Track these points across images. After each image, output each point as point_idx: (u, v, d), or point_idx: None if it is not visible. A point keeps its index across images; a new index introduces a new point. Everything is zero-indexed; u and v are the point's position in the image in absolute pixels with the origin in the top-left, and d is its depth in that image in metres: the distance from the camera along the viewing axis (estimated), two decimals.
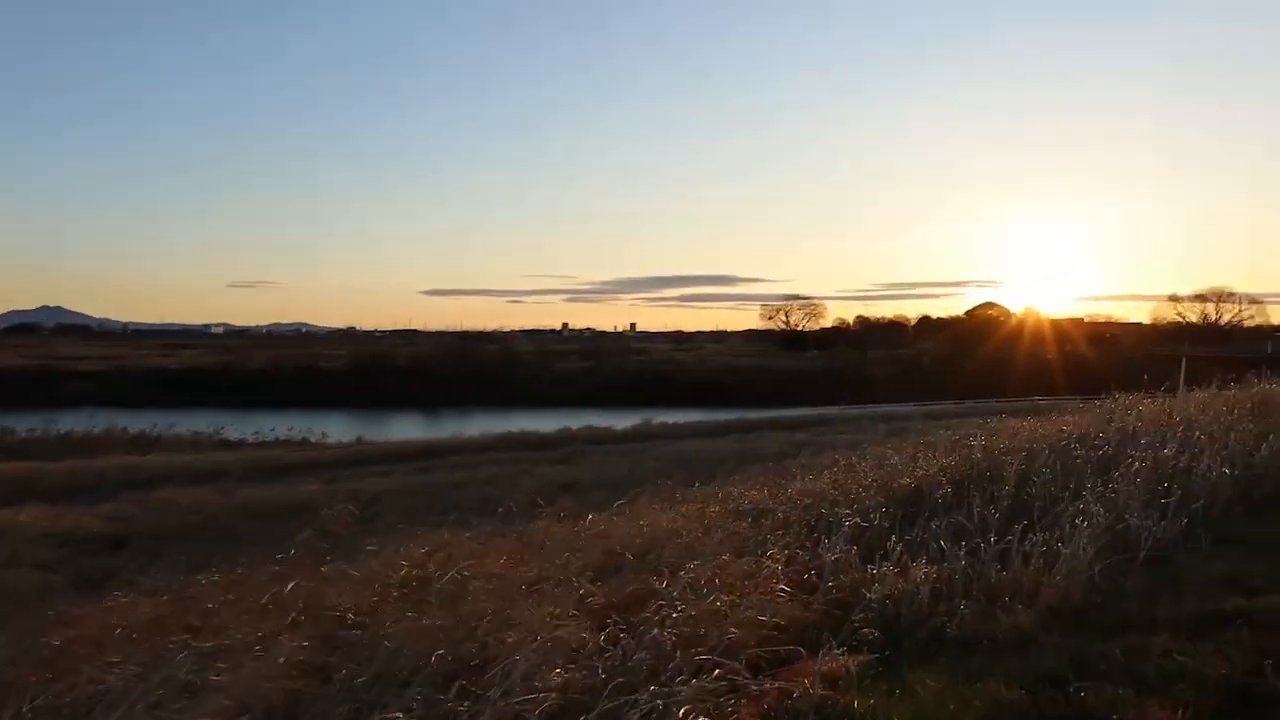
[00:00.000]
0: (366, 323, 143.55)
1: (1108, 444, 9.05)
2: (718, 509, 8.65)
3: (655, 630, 3.97)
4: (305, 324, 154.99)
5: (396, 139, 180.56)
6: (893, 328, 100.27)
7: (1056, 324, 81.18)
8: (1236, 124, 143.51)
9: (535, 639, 3.90)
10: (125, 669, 4.00)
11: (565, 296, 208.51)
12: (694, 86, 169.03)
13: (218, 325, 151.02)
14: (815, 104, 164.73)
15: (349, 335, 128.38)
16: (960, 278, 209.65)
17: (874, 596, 4.68)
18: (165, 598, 6.41)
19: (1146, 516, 6.30)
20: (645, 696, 3.38)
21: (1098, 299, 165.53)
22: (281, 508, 19.87)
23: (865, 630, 4.24)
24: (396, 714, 3.42)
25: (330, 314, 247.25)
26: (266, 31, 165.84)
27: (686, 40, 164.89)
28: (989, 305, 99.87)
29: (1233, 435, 9.22)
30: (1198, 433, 9.18)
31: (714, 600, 4.44)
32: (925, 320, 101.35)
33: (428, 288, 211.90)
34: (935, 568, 5.14)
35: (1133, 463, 7.82)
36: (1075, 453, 8.62)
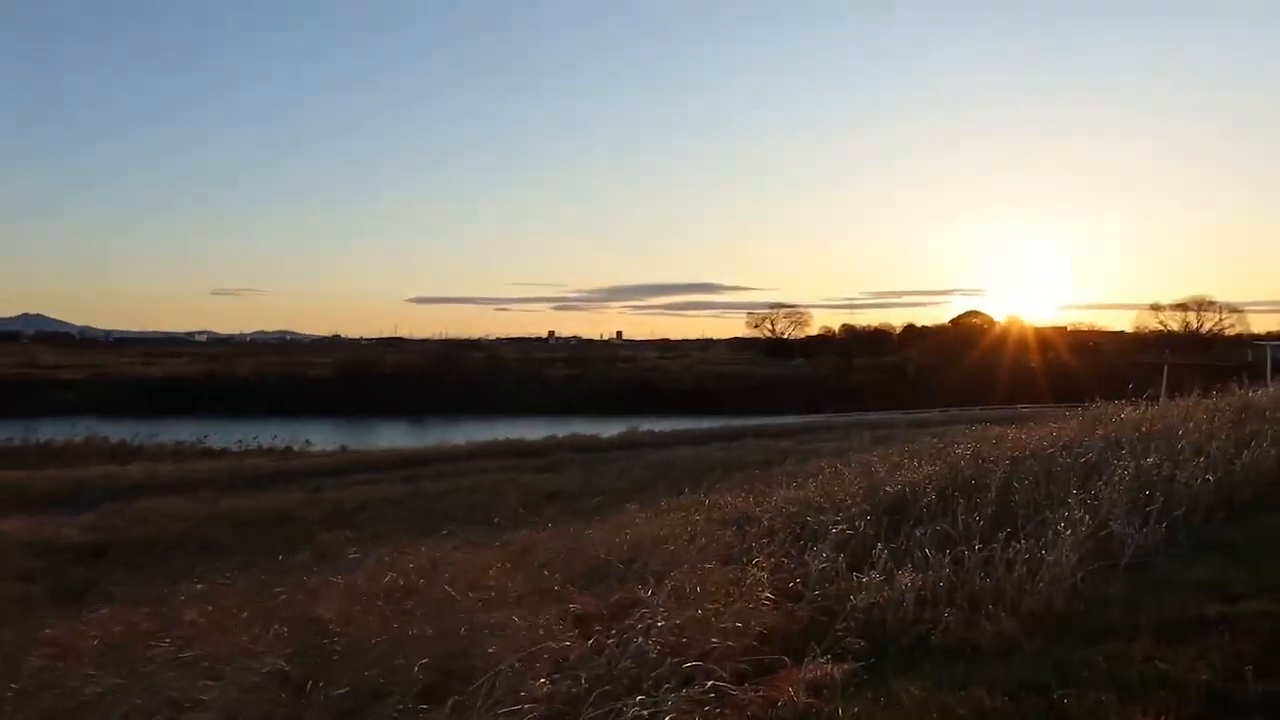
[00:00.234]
0: (352, 330, 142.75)
1: (1091, 452, 9.11)
2: (703, 517, 8.64)
3: (640, 639, 3.96)
4: (289, 332, 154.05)
5: (383, 145, 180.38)
6: (878, 336, 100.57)
7: (1040, 332, 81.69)
8: (1214, 136, 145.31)
9: (520, 649, 3.88)
10: (103, 681, 3.96)
11: (552, 304, 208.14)
12: (681, 96, 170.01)
13: (201, 333, 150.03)
14: (802, 113, 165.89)
15: (334, 343, 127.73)
16: (945, 286, 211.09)
17: (859, 604, 4.68)
18: (145, 609, 6.36)
19: (1129, 523, 6.34)
20: (630, 706, 3.36)
21: (1081, 308, 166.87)
22: (265, 517, 19.76)
23: (850, 639, 4.24)
24: None
25: (315, 322, 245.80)
26: (251, 34, 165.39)
27: (674, 50, 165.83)
28: (973, 314, 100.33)
29: (1214, 443, 9.30)
30: (1180, 441, 9.25)
31: (699, 609, 4.43)
32: (910, 328, 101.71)
33: (413, 295, 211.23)
34: (920, 575, 5.14)
35: (1115, 470, 7.86)
36: (1059, 460, 8.67)
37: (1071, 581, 5.17)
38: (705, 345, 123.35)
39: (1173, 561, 5.92)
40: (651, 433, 38.86)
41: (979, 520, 6.42)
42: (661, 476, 21.14)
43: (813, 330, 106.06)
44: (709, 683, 3.61)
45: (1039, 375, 64.26)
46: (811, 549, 6.03)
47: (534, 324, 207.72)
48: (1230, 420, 11.25)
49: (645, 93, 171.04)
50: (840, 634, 4.28)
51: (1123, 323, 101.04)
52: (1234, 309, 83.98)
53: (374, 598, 5.62)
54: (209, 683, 3.92)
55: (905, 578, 4.99)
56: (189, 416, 54.62)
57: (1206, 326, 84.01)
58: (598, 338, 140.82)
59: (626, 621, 4.29)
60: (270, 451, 39.12)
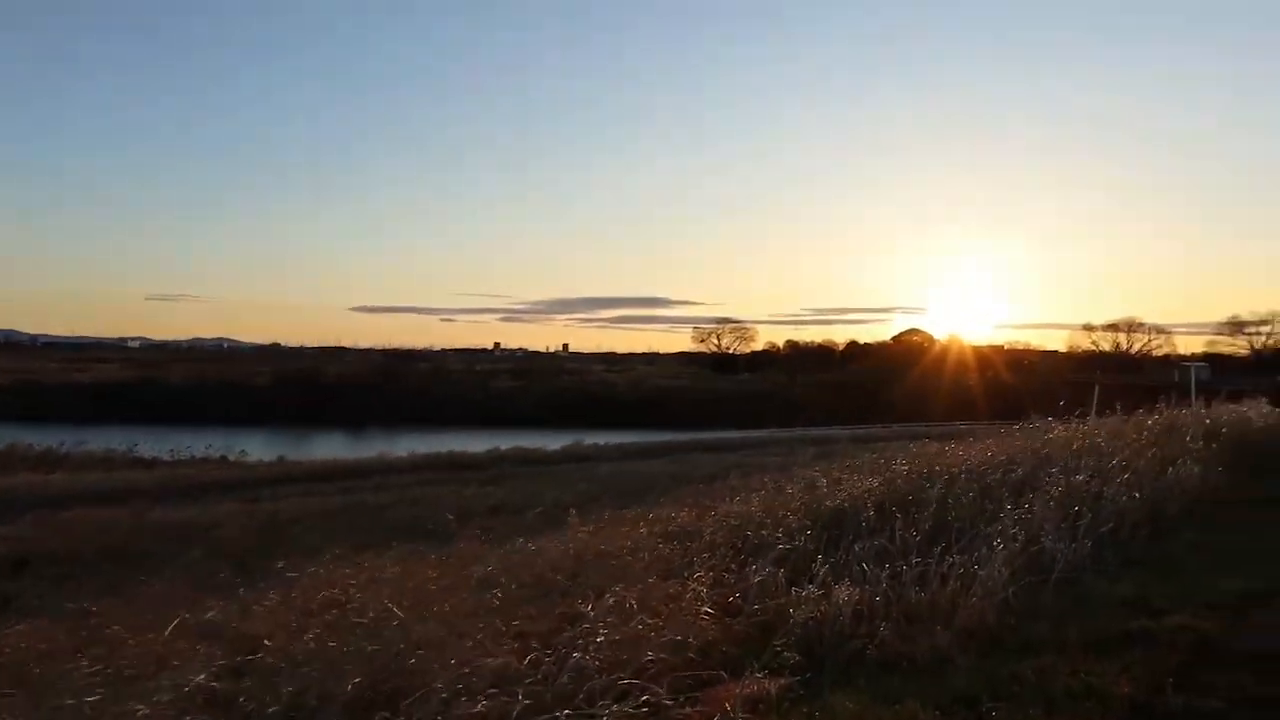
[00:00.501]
0: (293, 339, 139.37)
1: (1025, 469, 9.34)
2: (647, 531, 8.63)
3: (579, 654, 3.93)
4: (228, 339, 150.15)
5: (326, 152, 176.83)
6: (822, 352, 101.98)
7: (978, 351, 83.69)
8: (1146, 166, 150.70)
9: (457, 665, 3.83)
10: (15, 704, 3.80)
11: (499, 316, 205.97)
12: (629, 111, 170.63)
13: (134, 339, 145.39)
14: (747, 130, 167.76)
15: (274, 351, 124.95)
16: (887, 304, 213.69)
17: (796, 619, 4.71)
18: (67, 623, 6.13)
19: (1059, 539, 6.51)
20: None
21: (1017, 327, 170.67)
22: (196, 529, 19.20)
23: (787, 653, 4.27)
24: None
25: (255, 329, 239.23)
26: (188, 38, 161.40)
27: (621, 65, 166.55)
28: (914, 331, 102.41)
29: (1141, 460, 9.61)
30: (1109, 458, 9.53)
31: (639, 623, 4.42)
32: (853, 345, 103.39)
33: (357, 304, 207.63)
34: (858, 590, 5.20)
35: (1047, 487, 8.08)
36: (994, 477, 8.86)
37: (1003, 596, 5.28)
38: (652, 359, 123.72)
39: (1100, 577, 6.09)
40: (597, 446, 38.80)
41: (916, 535, 6.53)
42: (606, 490, 21.07)
43: (758, 346, 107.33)
44: (644, 698, 3.60)
45: (977, 392, 65.74)
46: (752, 563, 6.06)
47: (480, 335, 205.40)
48: (1156, 439, 11.64)
49: (595, 107, 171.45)
50: (778, 648, 4.31)
51: (1057, 342, 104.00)
52: (1161, 330, 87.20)
53: (308, 612, 5.49)
54: (133, 704, 3.79)
55: (843, 592, 5.04)
56: (119, 424, 53.03)
57: (1136, 347, 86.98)
58: (544, 350, 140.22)
59: (566, 636, 4.26)
60: (204, 461, 38.20)
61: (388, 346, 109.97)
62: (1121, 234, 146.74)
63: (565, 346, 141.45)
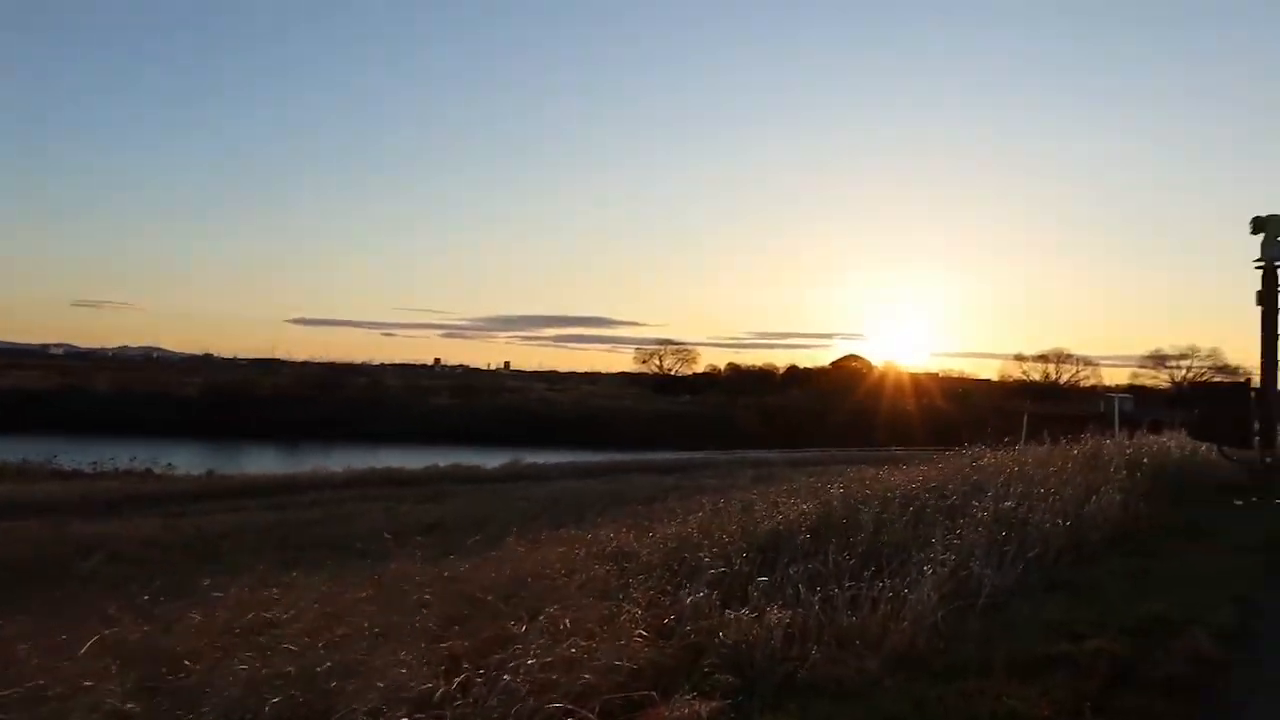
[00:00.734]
0: (225, 350, 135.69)
1: (956, 494, 9.54)
2: (584, 552, 8.58)
3: (509, 677, 3.88)
4: (157, 348, 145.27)
5: (263, 160, 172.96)
6: (762, 376, 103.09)
7: (915, 377, 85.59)
8: (1077, 199, 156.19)
9: (383, 686, 3.75)
10: None
11: (440, 332, 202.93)
12: (573, 131, 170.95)
13: (58, 346, 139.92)
14: (693, 155, 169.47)
15: (205, 362, 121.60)
16: (827, 330, 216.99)
17: (727, 640, 4.72)
18: None
19: (988, 564, 6.66)
20: None
21: (952, 355, 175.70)
22: (118, 545, 18.54)
23: (718, 675, 4.27)
24: None
25: (186, 339, 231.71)
26: (113, 38, 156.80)
27: (564, 85, 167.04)
28: (853, 357, 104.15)
29: (1067, 488, 9.90)
30: (1036, 485, 9.79)
31: (572, 645, 4.39)
32: (793, 369, 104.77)
33: (294, 316, 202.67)
34: (790, 613, 5.24)
35: (978, 512, 8.27)
36: (927, 502, 9.04)
37: (933, 620, 5.36)
38: (593, 378, 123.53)
39: (1026, 601, 6.23)
40: (536, 465, 38.60)
41: (850, 559, 6.61)
42: (545, 509, 20.96)
43: (699, 368, 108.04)
44: None
45: (913, 418, 67.10)
46: (688, 585, 6.07)
47: (420, 351, 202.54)
48: (1081, 467, 12.00)
49: (539, 127, 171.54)
50: (708, 670, 4.31)
51: (990, 371, 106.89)
52: (1088, 362, 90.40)
53: (232, 632, 5.34)
54: None
55: (775, 615, 5.07)
56: (39, 434, 51.04)
57: (1064, 377, 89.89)
58: (485, 367, 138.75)
59: (497, 658, 4.21)
60: (128, 474, 37.00)
61: (325, 360, 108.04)
62: (1052, 269, 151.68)
63: (507, 364, 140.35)
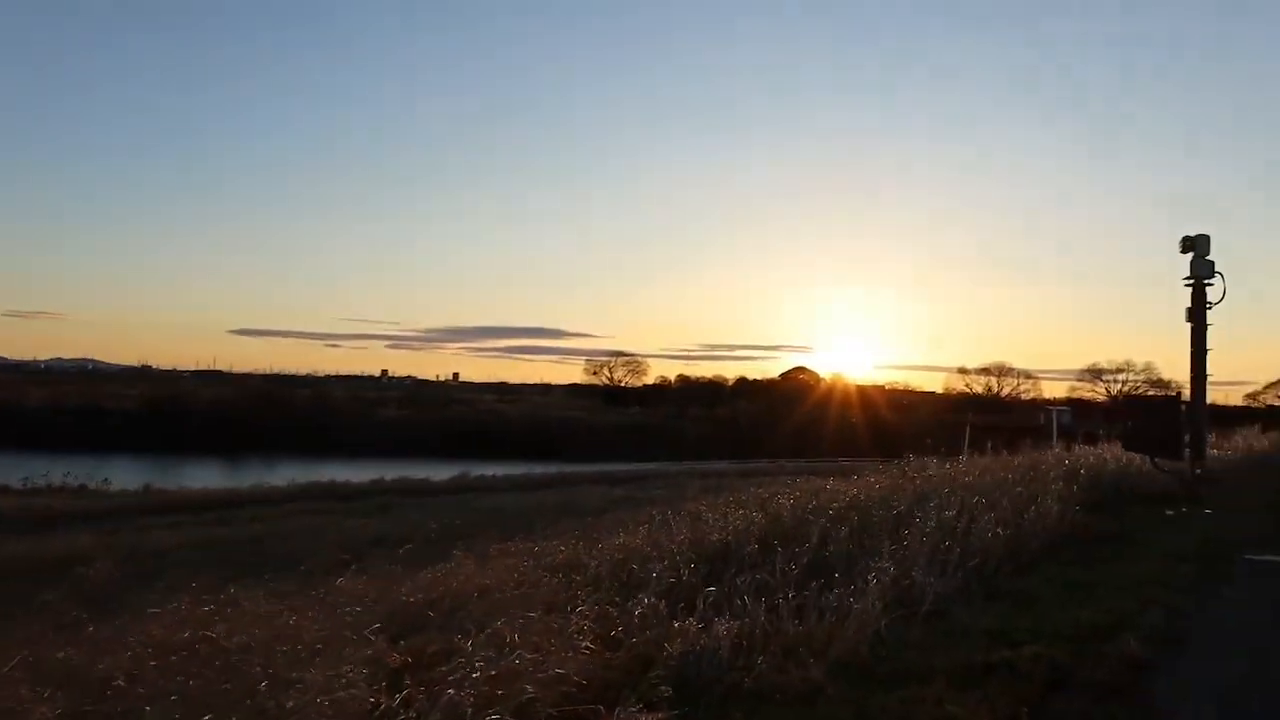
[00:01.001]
0: (164, 361, 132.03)
1: (901, 504, 9.69)
2: (532, 564, 8.54)
3: (453, 691, 3.84)
4: (92, 360, 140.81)
5: (205, 166, 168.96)
6: (712, 387, 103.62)
7: (861, 389, 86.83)
8: (1014, 219, 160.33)
9: (323, 703, 3.68)
10: None
11: (387, 343, 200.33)
12: (524, 142, 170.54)
13: None
14: (643, 167, 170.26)
15: (143, 373, 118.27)
16: (776, 342, 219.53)
17: (674, 652, 4.73)
18: None
19: (930, 573, 6.77)
20: None
21: (897, 368, 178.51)
22: (49, 563, 17.92)
23: (664, 686, 4.28)
24: None
25: (122, 350, 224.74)
26: (51, 40, 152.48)
27: (516, 96, 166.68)
28: (801, 370, 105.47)
29: (1007, 498, 10.11)
30: (977, 496, 9.99)
31: (517, 658, 4.35)
32: (742, 381, 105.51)
33: (236, 326, 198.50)
34: (737, 623, 5.27)
35: (921, 523, 8.40)
36: (873, 513, 9.16)
37: (876, 628, 5.44)
38: (544, 390, 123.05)
39: (967, 609, 6.35)
40: (484, 477, 38.32)
41: (796, 569, 6.67)
42: (493, 522, 20.73)
43: (650, 379, 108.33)
44: None
45: (859, 430, 68.04)
46: (636, 597, 6.07)
47: (366, 362, 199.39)
48: (1021, 478, 12.29)
49: (490, 137, 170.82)
50: (654, 681, 4.32)
51: (934, 383, 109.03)
52: (1029, 375, 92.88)
53: (167, 651, 5.19)
54: None
55: (722, 625, 5.09)
56: None
57: (1006, 390, 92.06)
58: (434, 378, 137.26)
59: (441, 672, 4.16)
60: (61, 490, 35.87)
61: (268, 371, 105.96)
62: (994, 284, 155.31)
63: (456, 375, 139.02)
